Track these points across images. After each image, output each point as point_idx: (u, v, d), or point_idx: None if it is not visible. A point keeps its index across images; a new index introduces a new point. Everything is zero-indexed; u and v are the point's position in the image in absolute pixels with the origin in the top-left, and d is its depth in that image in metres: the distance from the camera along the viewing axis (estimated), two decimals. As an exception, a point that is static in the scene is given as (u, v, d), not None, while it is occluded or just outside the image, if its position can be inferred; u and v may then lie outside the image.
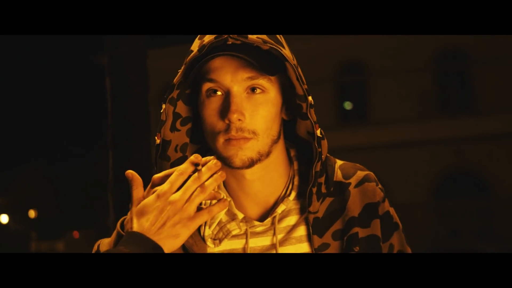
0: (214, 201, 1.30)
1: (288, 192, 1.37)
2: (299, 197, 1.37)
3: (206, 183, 1.22)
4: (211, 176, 1.24)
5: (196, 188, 1.22)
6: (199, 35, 1.33)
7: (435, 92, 17.65)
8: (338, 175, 1.39)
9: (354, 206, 1.36)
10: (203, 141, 1.38)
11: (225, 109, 1.27)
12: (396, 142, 17.16)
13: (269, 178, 1.36)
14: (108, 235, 1.55)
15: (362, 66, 18.09)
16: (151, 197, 1.21)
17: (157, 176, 1.24)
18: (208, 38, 1.28)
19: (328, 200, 1.36)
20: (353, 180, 1.38)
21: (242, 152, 1.28)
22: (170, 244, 1.20)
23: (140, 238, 1.18)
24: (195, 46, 1.31)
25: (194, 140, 1.42)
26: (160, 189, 1.21)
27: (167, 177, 1.23)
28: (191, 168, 1.23)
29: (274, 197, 1.37)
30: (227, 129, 1.27)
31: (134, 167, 1.63)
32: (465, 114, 17.33)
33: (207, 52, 1.27)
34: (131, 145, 2.84)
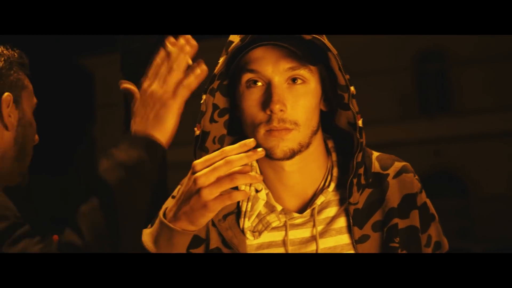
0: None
1: (327, 183, 1.36)
2: (338, 188, 1.36)
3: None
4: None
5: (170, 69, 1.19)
6: None
7: (415, 93, 17.79)
8: (376, 166, 1.39)
9: (394, 197, 1.35)
10: (240, 133, 1.37)
11: (266, 99, 1.27)
12: (376, 142, 17.26)
13: (308, 169, 1.35)
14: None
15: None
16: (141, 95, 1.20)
17: (198, 161, 1.19)
18: None
19: (367, 191, 1.36)
20: (391, 171, 1.38)
21: (284, 143, 1.27)
22: (158, 129, 1.17)
23: (130, 138, 1.18)
24: (235, 36, 1.31)
25: (230, 131, 1.41)
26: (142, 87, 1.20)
27: (207, 162, 1.17)
28: None
29: (312, 188, 1.36)
30: (269, 120, 1.27)
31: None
32: (445, 115, 17.49)
33: (249, 42, 1.27)
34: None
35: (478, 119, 16.89)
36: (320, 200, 1.34)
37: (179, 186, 1.37)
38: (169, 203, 1.29)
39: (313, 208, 1.34)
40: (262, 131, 1.28)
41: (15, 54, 1.42)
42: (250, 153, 1.14)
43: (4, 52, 1.41)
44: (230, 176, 1.14)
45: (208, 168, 1.14)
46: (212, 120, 1.36)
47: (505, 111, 16.48)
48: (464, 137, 16.95)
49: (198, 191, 1.14)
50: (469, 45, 16.80)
